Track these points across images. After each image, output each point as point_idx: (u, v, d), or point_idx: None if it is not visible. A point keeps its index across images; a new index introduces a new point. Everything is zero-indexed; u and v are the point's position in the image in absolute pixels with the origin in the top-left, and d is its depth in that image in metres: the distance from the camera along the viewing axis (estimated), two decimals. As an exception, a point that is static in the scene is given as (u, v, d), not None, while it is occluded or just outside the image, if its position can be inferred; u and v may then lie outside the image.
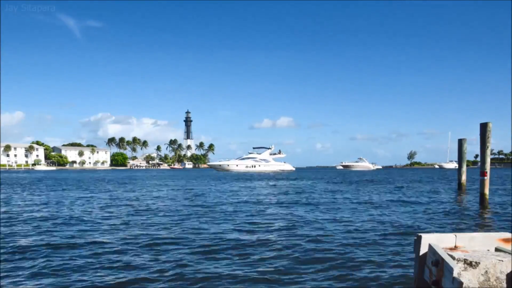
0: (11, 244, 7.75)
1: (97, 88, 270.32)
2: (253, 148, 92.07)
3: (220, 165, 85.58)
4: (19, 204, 15.58)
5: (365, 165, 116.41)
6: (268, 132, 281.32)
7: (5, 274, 5.80)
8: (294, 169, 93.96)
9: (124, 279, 5.57)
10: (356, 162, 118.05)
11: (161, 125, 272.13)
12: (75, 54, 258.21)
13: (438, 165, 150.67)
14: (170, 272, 5.88)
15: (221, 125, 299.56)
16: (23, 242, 8.00)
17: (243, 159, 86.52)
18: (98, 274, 5.83)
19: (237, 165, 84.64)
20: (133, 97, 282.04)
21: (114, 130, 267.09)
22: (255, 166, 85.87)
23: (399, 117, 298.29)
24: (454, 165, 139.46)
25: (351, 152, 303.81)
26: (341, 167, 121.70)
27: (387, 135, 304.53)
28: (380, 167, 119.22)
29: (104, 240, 8.20)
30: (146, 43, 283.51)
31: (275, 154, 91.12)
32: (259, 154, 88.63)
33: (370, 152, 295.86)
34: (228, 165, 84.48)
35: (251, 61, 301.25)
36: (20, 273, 5.88)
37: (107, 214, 12.49)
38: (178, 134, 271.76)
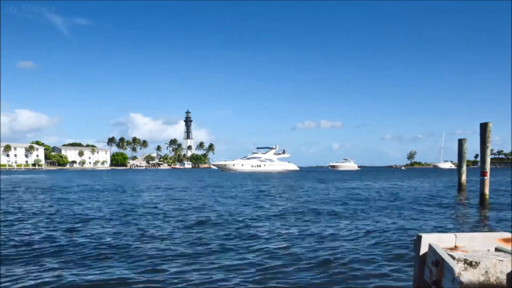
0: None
1: (95, 88, 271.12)
2: (257, 148, 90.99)
3: (225, 165, 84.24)
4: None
5: (350, 165, 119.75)
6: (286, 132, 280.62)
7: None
8: (298, 168, 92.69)
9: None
10: (342, 162, 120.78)
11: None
12: (65, 53, 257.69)
13: (434, 165, 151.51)
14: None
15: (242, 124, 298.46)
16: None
17: (249, 158, 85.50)
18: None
19: (242, 165, 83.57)
20: (133, 95, 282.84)
21: (146, 129, 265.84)
22: (260, 166, 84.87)
23: (429, 116, 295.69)
24: (449, 165, 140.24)
25: (361, 152, 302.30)
26: (330, 167, 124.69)
27: (414, 135, 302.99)
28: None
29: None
30: (143, 41, 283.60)
31: (279, 154, 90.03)
32: (264, 154, 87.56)
33: (379, 152, 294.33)
34: (233, 165, 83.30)
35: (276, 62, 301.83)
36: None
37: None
38: (202, 134, 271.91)
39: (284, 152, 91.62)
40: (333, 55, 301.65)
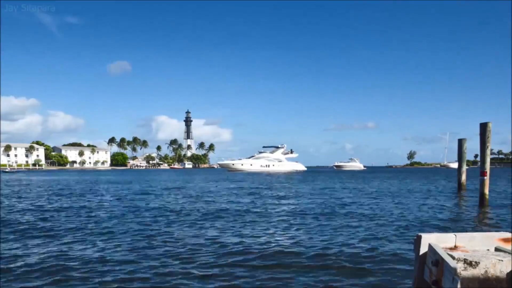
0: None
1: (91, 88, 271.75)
2: (263, 147, 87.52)
3: (233, 164, 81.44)
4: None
5: (356, 165, 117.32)
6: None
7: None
8: (305, 169, 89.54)
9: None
10: (348, 162, 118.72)
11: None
12: (54, 51, 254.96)
13: (441, 165, 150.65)
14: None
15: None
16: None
17: (257, 158, 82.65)
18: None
19: (251, 165, 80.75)
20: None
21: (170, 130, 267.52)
22: (268, 166, 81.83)
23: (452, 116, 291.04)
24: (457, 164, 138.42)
25: (370, 152, 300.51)
26: (334, 167, 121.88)
27: (434, 135, 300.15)
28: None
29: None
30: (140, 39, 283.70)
31: (287, 153, 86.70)
32: (271, 153, 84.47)
33: (386, 152, 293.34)
34: (242, 165, 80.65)
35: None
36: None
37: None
38: (225, 135, 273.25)
39: (292, 151, 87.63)
40: (342, 56, 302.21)
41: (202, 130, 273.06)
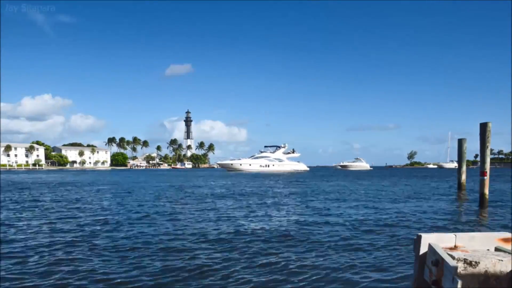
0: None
1: (98, 87, 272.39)
2: (265, 146, 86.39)
3: (231, 164, 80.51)
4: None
5: (362, 165, 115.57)
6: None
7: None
8: (308, 169, 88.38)
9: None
10: (354, 162, 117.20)
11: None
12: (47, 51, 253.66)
13: (437, 165, 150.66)
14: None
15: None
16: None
17: (256, 158, 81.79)
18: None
19: (250, 165, 79.90)
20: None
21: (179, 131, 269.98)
22: (268, 166, 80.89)
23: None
24: (454, 164, 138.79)
25: (376, 153, 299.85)
26: (339, 167, 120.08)
27: (445, 136, 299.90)
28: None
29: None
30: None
31: (288, 153, 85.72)
32: (272, 153, 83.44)
33: (391, 152, 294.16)
34: (240, 165, 79.84)
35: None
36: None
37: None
38: (242, 134, 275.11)
39: (293, 151, 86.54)
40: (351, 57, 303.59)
41: (218, 130, 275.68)
